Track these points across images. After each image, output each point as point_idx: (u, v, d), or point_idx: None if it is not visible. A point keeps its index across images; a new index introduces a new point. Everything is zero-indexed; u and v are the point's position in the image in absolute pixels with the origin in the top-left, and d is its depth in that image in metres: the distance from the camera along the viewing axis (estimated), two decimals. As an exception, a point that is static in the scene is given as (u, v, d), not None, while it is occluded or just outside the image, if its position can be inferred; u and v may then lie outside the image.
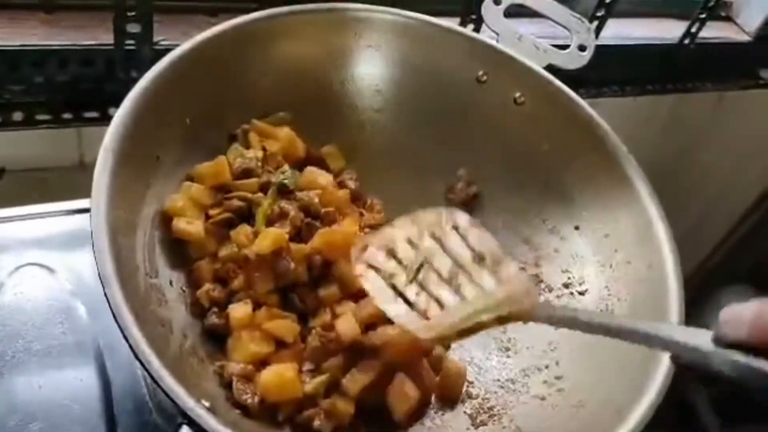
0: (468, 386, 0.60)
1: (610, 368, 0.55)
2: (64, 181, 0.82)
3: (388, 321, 0.57)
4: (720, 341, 0.34)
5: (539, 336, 0.63)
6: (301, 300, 0.57)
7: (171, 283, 0.56)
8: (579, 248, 0.65)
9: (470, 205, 0.71)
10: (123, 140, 0.52)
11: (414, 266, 0.51)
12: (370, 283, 0.51)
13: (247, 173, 0.61)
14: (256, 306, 0.56)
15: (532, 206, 0.69)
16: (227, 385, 0.53)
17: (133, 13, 0.72)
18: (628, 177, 0.63)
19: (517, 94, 0.69)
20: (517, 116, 0.69)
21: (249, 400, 0.52)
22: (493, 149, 0.70)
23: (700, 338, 0.36)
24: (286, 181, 0.61)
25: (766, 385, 0.32)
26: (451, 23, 0.74)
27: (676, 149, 1.36)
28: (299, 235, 0.59)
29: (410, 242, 0.52)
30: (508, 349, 0.64)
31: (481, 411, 0.59)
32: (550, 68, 0.70)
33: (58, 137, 0.79)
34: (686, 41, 1.16)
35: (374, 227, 0.63)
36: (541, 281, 0.66)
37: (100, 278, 0.45)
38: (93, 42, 0.76)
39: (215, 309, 0.56)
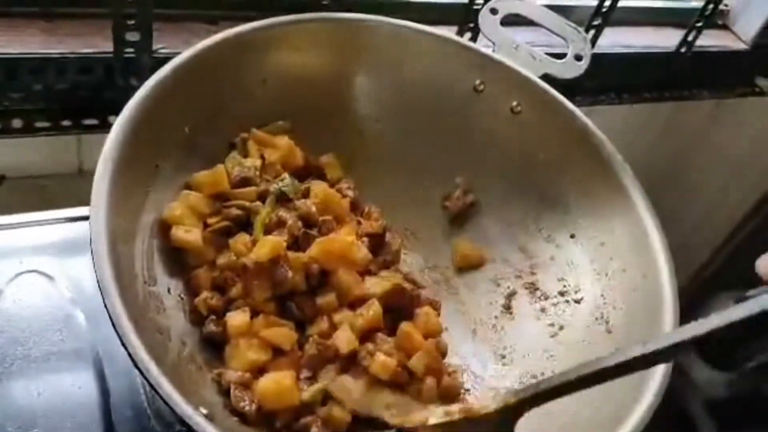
0: (464, 394, 0.61)
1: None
2: (64, 188, 0.82)
3: (386, 330, 0.58)
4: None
5: (536, 344, 0.63)
6: (298, 308, 0.57)
7: (169, 290, 0.56)
8: (575, 256, 0.66)
9: (467, 213, 0.71)
10: (122, 148, 0.52)
11: None
12: None
13: (245, 182, 0.61)
14: (254, 314, 0.56)
15: (528, 214, 0.69)
16: (225, 393, 0.53)
17: (133, 22, 0.72)
18: (624, 186, 0.63)
19: (514, 104, 0.70)
20: (513, 125, 0.70)
21: (247, 408, 0.52)
22: (490, 158, 0.71)
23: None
24: (285, 189, 0.61)
25: None
26: (449, 32, 0.75)
27: (672, 157, 1.37)
28: (297, 243, 0.59)
29: None
30: (504, 357, 0.64)
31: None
32: (546, 77, 0.70)
33: (57, 144, 0.79)
34: (683, 49, 1.16)
35: (372, 235, 0.63)
36: (537, 289, 0.66)
37: (99, 286, 0.45)
38: (92, 50, 0.76)
39: (213, 317, 0.56)
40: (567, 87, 0.70)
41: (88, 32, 0.78)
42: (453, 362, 0.63)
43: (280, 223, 0.59)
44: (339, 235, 0.60)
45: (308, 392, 0.54)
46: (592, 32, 1.00)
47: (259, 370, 0.54)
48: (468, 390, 0.61)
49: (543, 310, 0.65)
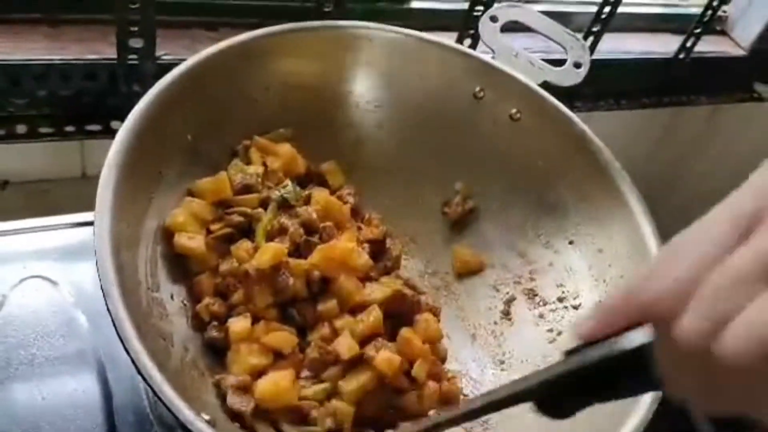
0: (463, 399, 0.61)
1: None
2: (67, 193, 0.83)
3: (387, 335, 0.58)
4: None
5: (534, 349, 0.63)
6: (300, 314, 0.58)
7: (172, 296, 0.56)
8: (573, 262, 0.66)
9: (466, 219, 0.72)
10: (127, 155, 0.53)
11: None
12: None
13: (247, 189, 0.62)
14: (255, 320, 0.56)
15: (527, 220, 0.70)
16: (225, 398, 0.53)
17: (136, 28, 0.73)
18: (621, 193, 0.64)
19: (514, 111, 0.70)
20: (513, 132, 0.71)
21: (243, 408, 0.52)
22: (490, 164, 0.72)
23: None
24: (287, 195, 0.62)
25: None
26: (449, 40, 0.75)
27: (671, 162, 1.37)
28: (298, 250, 0.59)
29: None
30: (502, 362, 0.64)
31: (476, 424, 0.59)
32: (544, 84, 0.71)
33: (61, 150, 0.80)
34: (682, 55, 1.17)
35: (373, 242, 0.64)
36: (536, 295, 0.67)
37: (102, 292, 0.45)
38: (96, 56, 0.77)
39: (215, 323, 0.56)
40: (566, 93, 0.71)
41: (91, 38, 0.78)
42: (452, 368, 0.64)
43: (282, 230, 0.60)
44: (340, 242, 0.60)
45: (311, 390, 0.54)
46: (591, 38, 1.01)
47: (259, 374, 0.55)
48: (467, 395, 0.62)
49: (542, 315, 0.65)
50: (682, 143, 1.37)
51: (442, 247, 0.72)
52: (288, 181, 0.63)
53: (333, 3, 0.81)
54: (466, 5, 0.94)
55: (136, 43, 0.74)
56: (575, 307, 0.64)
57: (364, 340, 0.57)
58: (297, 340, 0.57)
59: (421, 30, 0.73)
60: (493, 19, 0.72)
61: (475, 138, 0.72)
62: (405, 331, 0.58)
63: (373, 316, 0.58)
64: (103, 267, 0.46)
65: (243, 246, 0.58)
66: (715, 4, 1.13)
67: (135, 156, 0.53)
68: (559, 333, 0.64)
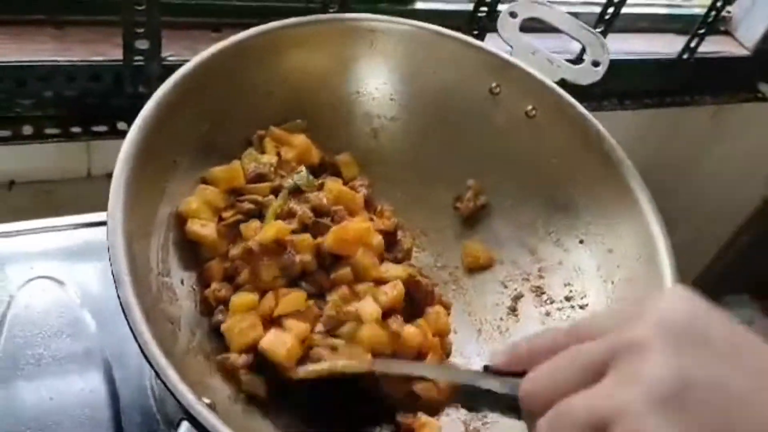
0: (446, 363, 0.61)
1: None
2: (72, 194, 0.83)
3: (407, 312, 0.59)
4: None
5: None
6: (313, 284, 0.57)
7: (182, 281, 0.56)
8: (582, 262, 0.66)
9: (478, 215, 0.71)
10: (142, 144, 0.53)
11: None
12: None
13: (260, 177, 0.61)
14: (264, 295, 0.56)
15: (538, 218, 0.69)
16: (231, 377, 0.53)
17: (142, 30, 0.73)
18: (633, 193, 0.63)
19: (529, 108, 0.70)
20: (527, 129, 0.70)
21: (258, 389, 0.53)
22: (503, 161, 0.71)
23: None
24: (299, 182, 0.61)
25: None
26: (464, 35, 0.75)
27: (675, 162, 1.37)
28: (307, 231, 0.59)
29: None
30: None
31: (475, 418, 0.59)
32: (561, 82, 0.70)
33: (66, 151, 0.80)
34: (686, 56, 1.17)
35: (384, 233, 0.64)
36: (544, 293, 0.66)
37: (113, 276, 0.45)
38: (101, 58, 0.77)
39: (221, 307, 0.56)
40: (572, 93, 0.71)
41: (96, 40, 0.79)
42: (457, 362, 0.63)
43: (291, 214, 0.59)
44: (353, 222, 0.60)
45: (325, 341, 0.54)
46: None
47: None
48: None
49: (548, 314, 0.65)
50: (686, 143, 1.38)
51: (452, 241, 0.72)
52: (302, 167, 0.63)
53: (338, 3, 0.81)
54: (470, 6, 0.95)
55: (142, 44, 0.74)
56: (582, 307, 0.64)
57: (384, 313, 0.56)
58: (307, 299, 0.56)
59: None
60: (513, 15, 0.72)
61: (490, 134, 0.71)
62: (420, 322, 0.59)
63: (397, 290, 0.58)
64: (116, 252, 0.46)
65: (252, 225, 0.58)
66: (719, 4, 1.13)
67: (150, 144, 0.53)
68: (565, 332, 0.64)
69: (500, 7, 0.93)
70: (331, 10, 0.80)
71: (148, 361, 0.43)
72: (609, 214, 0.65)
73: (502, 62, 0.71)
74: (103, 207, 0.49)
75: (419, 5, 0.98)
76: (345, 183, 0.66)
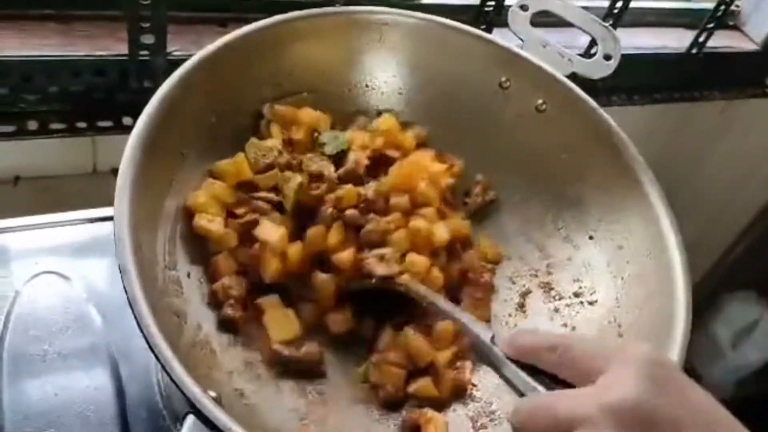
0: (471, 389, 0.60)
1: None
2: (78, 189, 0.83)
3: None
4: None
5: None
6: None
7: (189, 275, 0.56)
8: (592, 258, 0.65)
9: (486, 210, 0.71)
10: (149, 136, 0.52)
11: None
12: None
13: (268, 167, 0.61)
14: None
15: (547, 214, 0.69)
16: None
17: (147, 24, 0.73)
18: (644, 190, 0.62)
19: (540, 102, 0.69)
20: (537, 123, 0.69)
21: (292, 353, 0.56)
22: (512, 155, 0.70)
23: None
24: (331, 145, 0.63)
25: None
26: (474, 28, 0.74)
27: (683, 157, 1.37)
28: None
29: None
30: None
31: (483, 414, 0.59)
32: (572, 77, 0.69)
33: (72, 146, 0.80)
34: (694, 50, 1.16)
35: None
36: (552, 289, 0.66)
37: (119, 268, 0.45)
38: (105, 52, 0.77)
39: (231, 301, 0.56)
40: (580, 88, 0.70)
41: (102, 35, 0.79)
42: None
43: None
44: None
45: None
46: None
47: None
48: (475, 385, 0.61)
49: (557, 310, 0.64)
50: (695, 138, 1.37)
51: (461, 236, 0.71)
52: (322, 132, 0.64)
53: (344, -1, 0.81)
54: (477, 0, 0.94)
55: (147, 39, 0.74)
56: (591, 303, 0.63)
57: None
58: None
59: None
60: (524, 8, 0.71)
61: (499, 128, 0.70)
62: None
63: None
64: (122, 244, 0.46)
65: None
66: (727, -1, 1.12)
67: (156, 138, 0.53)
68: (573, 328, 0.63)
69: (508, 1, 0.92)
70: (338, 3, 0.80)
71: (154, 353, 0.43)
72: (619, 210, 0.64)
73: (512, 56, 0.70)
74: (108, 202, 0.49)
75: (425, 0, 0.98)
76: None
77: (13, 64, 0.72)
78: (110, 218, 0.48)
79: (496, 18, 0.94)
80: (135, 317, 0.44)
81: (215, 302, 0.56)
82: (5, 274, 0.63)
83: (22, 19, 0.77)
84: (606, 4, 1.02)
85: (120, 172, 0.50)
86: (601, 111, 0.67)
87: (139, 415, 0.58)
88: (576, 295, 0.64)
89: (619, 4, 1.01)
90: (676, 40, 1.18)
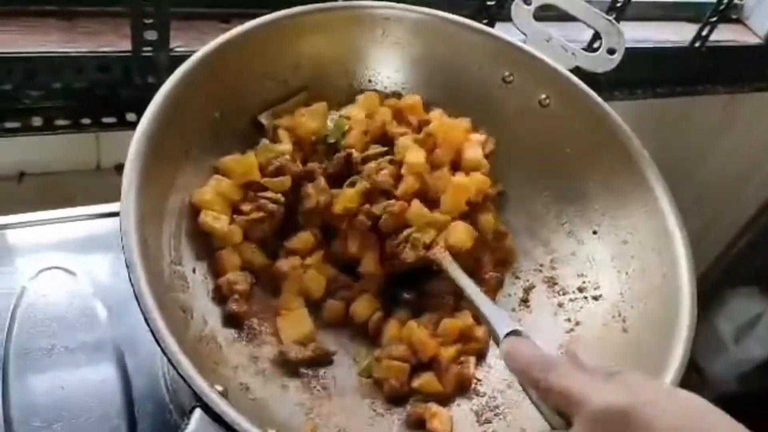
0: (476, 384, 0.61)
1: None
2: (82, 185, 0.83)
3: None
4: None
5: (551, 338, 0.62)
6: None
7: (194, 270, 0.56)
8: (596, 253, 0.65)
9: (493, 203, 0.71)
10: (153, 134, 0.53)
11: None
12: None
13: (280, 171, 0.61)
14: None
15: (551, 209, 0.69)
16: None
17: (151, 21, 0.73)
18: (649, 184, 0.62)
19: (543, 96, 0.69)
20: (541, 118, 0.69)
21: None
22: (516, 150, 0.70)
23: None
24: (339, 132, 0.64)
25: None
26: (477, 22, 0.74)
27: (686, 151, 1.36)
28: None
29: None
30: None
31: (487, 409, 0.59)
32: (576, 71, 0.69)
33: (76, 142, 0.80)
34: (697, 44, 1.16)
35: None
36: (556, 284, 0.66)
37: (126, 263, 0.45)
38: (109, 48, 0.77)
39: (236, 296, 0.56)
40: (583, 82, 0.70)
41: (105, 31, 0.79)
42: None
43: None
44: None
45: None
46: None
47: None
48: (480, 380, 0.61)
49: (561, 305, 0.65)
50: (698, 133, 1.37)
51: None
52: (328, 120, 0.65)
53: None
54: (480, -6, 0.94)
55: (151, 35, 0.74)
56: (595, 298, 0.63)
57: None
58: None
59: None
60: (527, 2, 0.71)
61: (502, 123, 0.70)
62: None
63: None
64: (128, 239, 0.46)
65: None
66: (730, -9, 1.12)
67: (161, 134, 0.53)
68: (578, 323, 0.63)
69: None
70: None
71: (161, 347, 0.43)
72: (624, 205, 0.64)
73: (515, 50, 0.70)
74: (113, 198, 0.49)
75: (428, -6, 0.97)
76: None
77: (16, 61, 0.72)
78: (115, 214, 0.48)
79: (499, 12, 0.93)
80: (141, 311, 0.44)
81: (220, 297, 0.57)
82: (11, 270, 0.64)
83: (25, 16, 0.77)
84: (609, -2, 1.01)
85: (126, 168, 0.50)
86: (606, 105, 0.67)
87: (146, 409, 0.58)
88: (580, 290, 0.64)
89: (621, -2, 1.01)
90: (678, 34, 1.17)
